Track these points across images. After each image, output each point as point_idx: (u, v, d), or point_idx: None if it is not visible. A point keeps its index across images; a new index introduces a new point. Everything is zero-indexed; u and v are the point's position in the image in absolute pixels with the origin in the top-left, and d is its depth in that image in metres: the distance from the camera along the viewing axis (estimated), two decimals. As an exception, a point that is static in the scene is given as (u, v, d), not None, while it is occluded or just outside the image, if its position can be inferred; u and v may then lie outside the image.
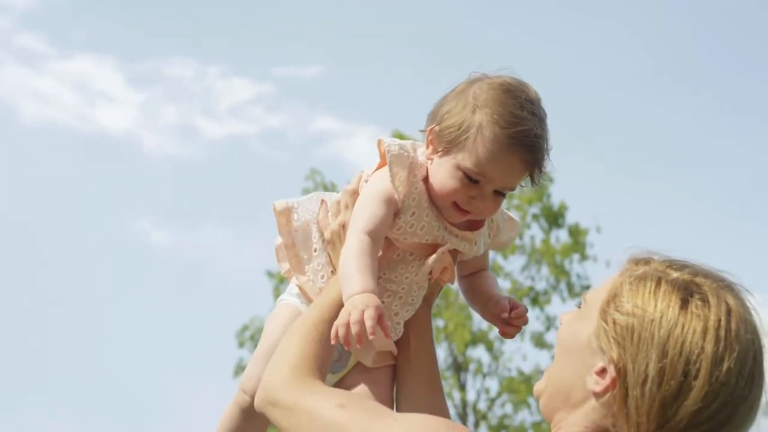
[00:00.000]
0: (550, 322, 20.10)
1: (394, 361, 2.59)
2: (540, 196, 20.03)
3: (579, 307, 2.05)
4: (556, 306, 20.28)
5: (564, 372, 1.99)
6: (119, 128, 28.53)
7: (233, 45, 28.83)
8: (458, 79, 2.50)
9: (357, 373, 2.58)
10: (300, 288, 2.63)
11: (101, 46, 29.26)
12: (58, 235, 28.75)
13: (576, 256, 20.27)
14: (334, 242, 2.55)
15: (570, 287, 20.29)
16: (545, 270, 20.31)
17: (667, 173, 27.83)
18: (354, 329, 2.20)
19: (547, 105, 2.46)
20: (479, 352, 20.19)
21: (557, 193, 20.44)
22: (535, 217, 20.14)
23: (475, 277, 2.66)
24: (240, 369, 21.37)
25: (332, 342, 2.26)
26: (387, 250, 2.48)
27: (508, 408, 20.07)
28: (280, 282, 20.78)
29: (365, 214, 2.42)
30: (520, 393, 19.64)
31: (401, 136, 20.47)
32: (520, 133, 2.35)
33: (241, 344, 21.43)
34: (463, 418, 19.74)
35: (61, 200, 28.31)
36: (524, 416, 20.04)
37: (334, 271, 2.56)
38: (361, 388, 2.53)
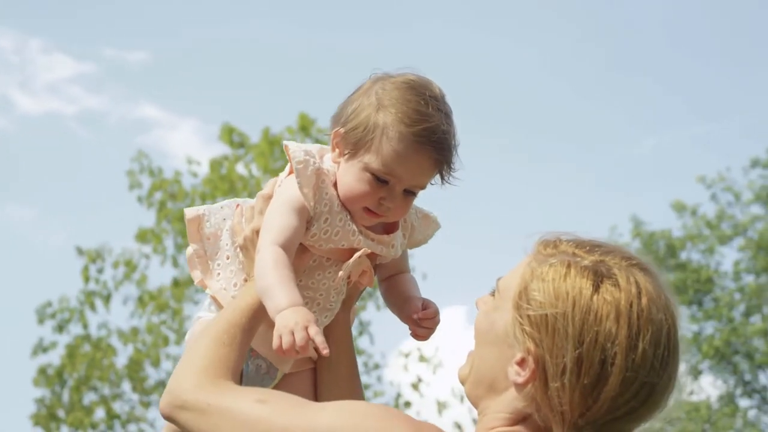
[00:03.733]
0: (363, 327, 20.20)
1: (313, 365, 2.56)
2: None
3: (493, 295, 2.04)
4: (371, 313, 20.46)
5: (485, 362, 1.99)
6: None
7: (58, 19, 27.78)
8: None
9: (280, 382, 2.54)
10: (213, 297, 2.56)
11: None
12: None
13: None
14: (247, 248, 2.48)
15: (386, 295, 20.50)
16: (365, 276, 20.43)
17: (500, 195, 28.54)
18: (302, 349, 2.15)
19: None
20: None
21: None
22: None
23: (394, 280, 2.62)
24: (39, 348, 20.52)
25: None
26: (302, 257, 2.43)
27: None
28: (91, 261, 20.12)
29: (276, 224, 2.36)
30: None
31: (231, 129, 20.37)
32: (426, 130, 2.33)
33: (41, 321, 20.61)
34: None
35: None
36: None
37: (246, 279, 2.49)
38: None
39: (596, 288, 1.87)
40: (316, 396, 2.55)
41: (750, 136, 30.78)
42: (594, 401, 1.84)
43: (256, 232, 2.44)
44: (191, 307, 19.83)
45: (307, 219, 2.39)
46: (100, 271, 20.17)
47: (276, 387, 2.52)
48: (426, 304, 2.53)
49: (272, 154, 19.68)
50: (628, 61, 30.66)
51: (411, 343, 22.32)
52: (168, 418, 2.18)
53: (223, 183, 19.59)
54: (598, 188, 29.92)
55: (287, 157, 2.42)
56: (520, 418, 1.94)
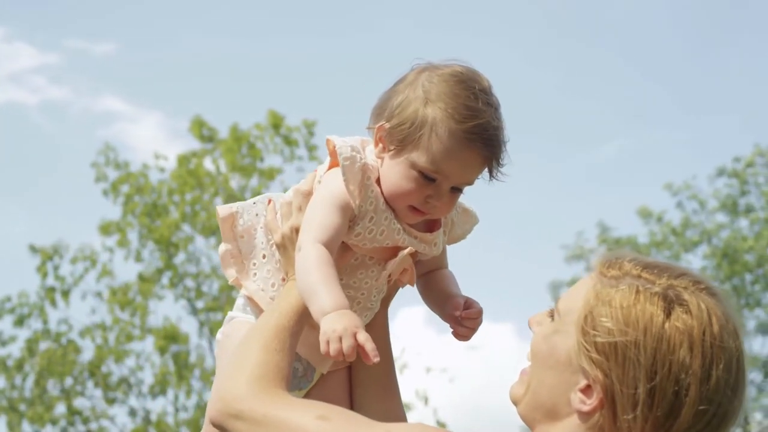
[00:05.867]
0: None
1: (349, 363, 2.46)
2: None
3: (552, 318, 1.97)
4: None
5: (544, 386, 1.92)
6: None
7: (21, 8, 27.39)
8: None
9: (316, 383, 2.48)
10: (248, 298, 2.47)
11: None
12: None
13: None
14: (285, 246, 2.39)
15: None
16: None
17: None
18: (349, 356, 2.08)
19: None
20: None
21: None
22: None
23: (432, 276, 2.55)
24: (-1, 342, 20.33)
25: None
26: (344, 255, 2.35)
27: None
28: (47, 258, 19.83)
29: (319, 221, 2.27)
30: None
31: (201, 123, 20.19)
32: (477, 127, 2.25)
33: (0, 316, 20.39)
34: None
35: None
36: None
37: (284, 278, 2.41)
38: (323, 396, 2.38)
39: (668, 315, 1.82)
40: (351, 394, 2.50)
41: (715, 145, 31.07)
42: (666, 431, 1.80)
43: (295, 230, 2.35)
44: (156, 303, 19.64)
45: (350, 217, 2.31)
46: (57, 267, 19.90)
47: (316, 389, 2.47)
48: (469, 303, 2.46)
49: (239, 151, 19.53)
50: (594, 65, 30.82)
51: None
52: (218, 426, 2.09)
53: (191, 178, 19.41)
54: (565, 193, 30.04)
55: (329, 152, 2.33)
56: None
